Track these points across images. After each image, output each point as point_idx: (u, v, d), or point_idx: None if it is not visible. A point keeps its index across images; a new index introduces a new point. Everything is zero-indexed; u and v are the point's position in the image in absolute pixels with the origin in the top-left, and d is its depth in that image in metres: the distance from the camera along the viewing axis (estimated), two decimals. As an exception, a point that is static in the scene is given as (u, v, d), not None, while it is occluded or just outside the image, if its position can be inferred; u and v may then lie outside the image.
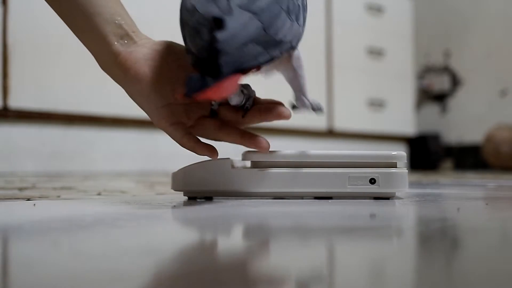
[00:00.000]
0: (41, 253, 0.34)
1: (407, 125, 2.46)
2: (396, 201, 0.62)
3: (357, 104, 2.25)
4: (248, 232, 0.44)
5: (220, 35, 0.51)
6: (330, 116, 2.11)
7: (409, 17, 2.50)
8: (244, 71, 0.54)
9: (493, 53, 2.52)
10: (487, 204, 0.68)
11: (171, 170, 0.67)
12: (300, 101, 0.64)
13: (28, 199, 0.64)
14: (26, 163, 1.48)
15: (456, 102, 2.62)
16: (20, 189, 0.84)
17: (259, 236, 0.42)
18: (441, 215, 0.53)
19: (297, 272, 0.30)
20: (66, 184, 0.96)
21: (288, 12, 0.57)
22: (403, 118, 2.45)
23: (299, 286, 0.27)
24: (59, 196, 0.70)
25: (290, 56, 0.61)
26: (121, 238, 0.40)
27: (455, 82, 2.63)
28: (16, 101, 1.44)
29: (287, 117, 0.61)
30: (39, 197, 0.67)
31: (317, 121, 2.04)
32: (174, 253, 0.36)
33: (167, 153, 1.72)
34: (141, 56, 0.57)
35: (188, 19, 0.56)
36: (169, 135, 0.59)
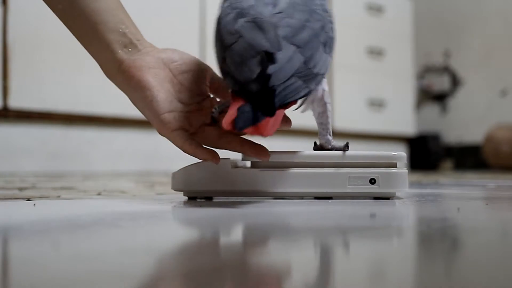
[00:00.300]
0: (41, 253, 0.34)
1: (407, 125, 2.46)
2: (396, 201, 0.62)
3: (357, 104, 2.25)
4: (248, 232, 0.44)
5: (272, 69, 0.51)
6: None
7: (409, 17, 2.50)
8: (287, 105, 0.55)
9: (493, 53, 2.52)
10: (487, 204, 0.68)
11: (171, 170, 0.67)
12: (324, 139, 0.64)
13: (28, 199, 0.64)
14: (26, 163, 1.48)
15: (456, 102, 2.62)
16: (20, 189, 0.84)
17: (259, 236, 0.42)
18: (441, 215, 0.53)
19: (297, 272, 0.30)
20: (66, 184, 0.96)
21: (325, 45, 0.58)
22: (403, 118, 2.45)
23: (299, 286, 0.27)
24: (59, 196, 0.70)
25: (323, 91, 0.62)
26: (121, 238, 0.40)
27: (455, 82, 2.63)
28: (16, 101, 1.44)
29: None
30: (39, 197, 0.67)
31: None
32: (174, 253, 0.36)
33: (167, 153, 1.72)
34: (144, 64, 0.58)
35: (231, 43, 0.55)
36: (171, 141, 0.59)
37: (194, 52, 1.76)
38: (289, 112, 0.66)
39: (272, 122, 0.52)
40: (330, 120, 0.64)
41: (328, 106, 0.64)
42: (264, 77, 0.51)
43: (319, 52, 0.57)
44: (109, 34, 0.58)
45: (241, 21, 0.55)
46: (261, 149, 0.60)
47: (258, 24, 0.54)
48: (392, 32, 2.40)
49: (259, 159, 0.60)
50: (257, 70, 0.52)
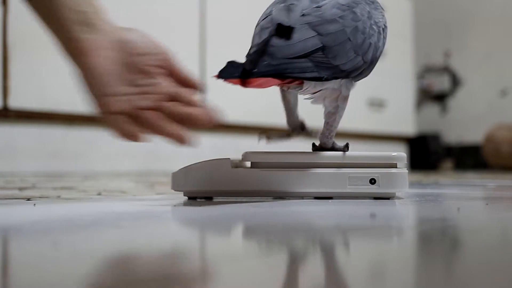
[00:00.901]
0: (41, 253, 0.34)
1: (407, 125, 2.46)
2: (396, 201, 0.62)
3: (357, 104, 2.25)
4: (248, 232, 0.44)
5: (277, 41, 0.56)
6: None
7: (409, 17, 2.50)
8: (287, 78, 0.58)
9: (493, 53, 2.52)
10: (487, 204, 0.68)
11: (171, 170, 0.67)
12: (325, 139, 0.65)
13: (28, 199, 0.64)
14: (26, 163, 1.48)
15: (456, 102, 2.62)
16: (20, 189, 0.84)
17: (259, 235, 0.42)
18: (441, 215, 0.53)
19: (297, 271, 0.30)
20: (66, 184, 0.96)
21: (356, 45, 0.61)
22: (403, 118, 2.45)
23: (299, 286, 0.27)
24: (59, 196, 0.70)
25: (340, 92, 0.63)
26: (121, 238, 0.40)
27: (455, 82, 2.63)
28: (16, 101, 1.43)
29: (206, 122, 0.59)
30: (39, 197, 0.67)
31: (317, 121, 2.04)
32: (174, 253, 0.36)
33: (167, 153, 1.72)
34: (95, 44, 0.58)
35: (261, 19, 0.61)
36: (108, 123, 0.60)
37: (194, 52, 1.77)
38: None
39: (260, 83, 0.56)
40: (337, 124, 0.65)
41: (340, 110, 0.64)
42: (266, 44, 0.56)
43: (344, 48, 0.60)
44: (67, 11, 0.58)
45: (279, 5, 0.61)
46: (182, 136, 0.58)
47: (289, 7, 0.60)
48: (392, 32, 2.39)
49: (179, 144, 0.59)
50: (265, 37, 0.57)
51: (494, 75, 2.51)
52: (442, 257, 0.33)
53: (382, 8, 0.66)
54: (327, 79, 0.60)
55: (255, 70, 0.54)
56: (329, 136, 0.65)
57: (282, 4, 0.61)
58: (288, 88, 0.62)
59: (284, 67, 0.56)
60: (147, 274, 0.28)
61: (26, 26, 1.46)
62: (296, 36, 0.57)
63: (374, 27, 0.63)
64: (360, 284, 0.27)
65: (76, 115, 1.56)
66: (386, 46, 0.66)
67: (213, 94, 1.78)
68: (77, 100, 1.54)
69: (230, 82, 0.54)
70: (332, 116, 0.65)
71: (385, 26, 0.66)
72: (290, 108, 0.67)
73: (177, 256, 0.34)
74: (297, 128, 0.68)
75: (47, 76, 1.48)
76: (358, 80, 0.64)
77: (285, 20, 0.58)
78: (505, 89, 2.48)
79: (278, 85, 0.60)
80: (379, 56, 0.65)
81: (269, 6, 0.63)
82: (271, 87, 0.59)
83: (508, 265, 0.31)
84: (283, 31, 0.57)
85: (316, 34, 0.58)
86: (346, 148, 0.64)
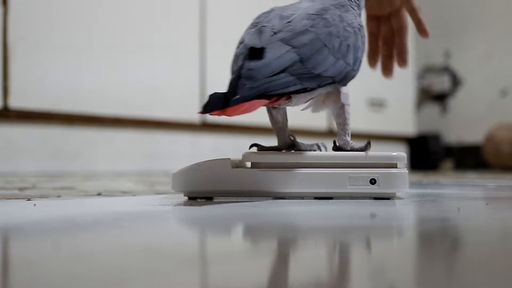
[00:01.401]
0: (41, 253, 0.34)
1: (408, 125, 2.46)
2: (397, 201, 0.62)
3: (357, 104, 2.25)
4: (249, 232, 0.44)
5: (253, 64, 0.57)
6: (331, 116, 2.11)
7: (409, 17, 2.50)
8: (272, 97, 0.58)
9: (493, 53, 2.52)
10: (487, 204, 0.68)
11: (171, 170, 0.67)
12: (343, 140, 0.66)
13: (29, 199, 0.64)
14: (26, 163, 1.48)
15: (456, 102, 2.62)
16: (21, 189, 0.84)
17: (259, 236, 0.42)
18: (441, 215, 0.53)
19: (297, 271, 0.30)
20: (67, 184, 0.96)
21: (333, 50, 0.61)
22: (404, 118, 2.45)
23: (299, 286, 0.27)
24: (59, 196, 0.70)
25: (339, 92, 0.64)
26: (121, 238, 0.40)
27: (456, 82, 2.63)
28: (17, 101, 1.44)
29: None
30: (40, 197, 0.67)
31: (317, 121, 2.04)
32: (175, 253, 0.36)
33: (167, 153, 1.72)
34: None
35: (237, 47, 0.62)
36: None
37: (194, 52, 1.77)
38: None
39: (246, 108, 0.56)
40: (348, 121, 0.65)
41: (347, 107, 0.65)
42: (242, 68, 0.56)
43: (321, 55, 0.60)
44: None
45: (251, 30, 0.61)
46: None
47: (259, 30, 0.60)
48: (392, 32, 2.40)
49: None
50: (241, 63, 0.57)
51: (494, 75, 2.51)
52: (442, 257, 0.33)
53: (355, 8, 0.67)
54: (312, 89, 0.61)
55: (238, 96, 0.54)
56: (345, 135, 0.66)
57: (253, 29, 0.61)
58: (280, 105, 0.62)
59: (266, 87, 0.56)
60: (147, 274, 0.28)
61: (26, 26, 1.46)
62: (271, 54, 0.58)
63: (349, 28, 0.63)
64: (361, 284, 0.27)
65: (76, 115, 1.56)
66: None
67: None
68: (77, 100, 1.54)
69: (215, 114, 0.54)
70: (340, 116, 0.66)
71: (361, 26, 0.66)
72: (279, 128, 0.67)
73: (177, 256, 0.34)
74: (287, 147, 0.68)
75: (47, 76, 1.48)
76: (346, 83, 0.64)
77: (257, 43, 0.58)
78: (505, 89, 2.48)
79: (267, 105, 0.60)
80: (361, 56, 0.65)
81: (242, 35, 0.64)
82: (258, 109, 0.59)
83: (508, 265, 0.31)
84: (257, 53, 0.58)
85: (290, 48, 0.59)
86: (367, 146, 0.64)
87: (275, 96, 0.58)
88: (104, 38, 1.57)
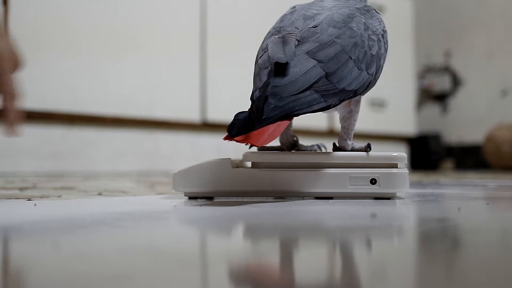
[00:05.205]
0: (41, 253, 0.34)
1: (408, 125, 2.46)
2: (397, 201, 0.62)
3: (358, 104, 2.25)
4: (249, 232, 0.44)
5: (278, 81, 0.54)
6: (331, 116, 2.11)
7: (409, 17, 2.50)
8: (296, 116, 0.56)
9: (494, 53, 2.52)
10: (487, 204, 0.68)
11: (171, 170, 0.67)
12: (344, 143, 0.65)
13: (29, 199, 0.64)
14: (26, 163, 1.48)
15: (456, 102, 2.62)
16: (21, 189, 0.84)
17: (260, 236, 0.42)
18: (442, 215, 0.53)
19: (297, 271, 0.30)
20: (67, 184, 0.96)
21: (357, 61, 0.59)
22: (404, 118, 2.45)
23: (299, 285, 0.27)
24: (59, 196, 0.70)
25: (350, 99, 0.63)
26: (122, 238, 0.40)
27: (456, 82, 2.63)
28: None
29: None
30: (40, 197, 0.67)
31: (318, 121, 2.04)
32: (175, 253, 0.36)
33: (167, 153, 1.72)
34: None
35: (259, 56, 0.59)
36: None
37: (194, 52, 1.77)
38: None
39: (271, 131, 0.53)
40: (353, 126, 0.65)
41: (354, 113, 0.65)
42: (267, 86, 0.53)
43: (347, 68, 0.58)
44: None
45: (274, 37, 0.59)
46: (12, 129, 0.62)
47: (284, 39, 0.57)
48: (393, 32, 2.39)
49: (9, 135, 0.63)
50: (265, 80, 0.55)
51: (495, 75, 2.50)
52: (442, 257, 0.33)
53: (377, 12, 0.66)
54: (335, 105, 0.59)
55: (264, 116, 0.52)
56: (347, 138, 0.65)
57: (277, 36, 0.59)
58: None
59: (291, 106, 0.54)
60: (147, 274, 0.28)
61: (26, 26, 1.46)
62: (297, 70, 0.55)
63: (373, 36, 0.62)
64: (361, 284, 0.27)
65: (76, 115, 1.56)
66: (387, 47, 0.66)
67: (213, 94, 1.79)
68: (77, 100, 1.54)
69: (240, 141, 0.52)
70: (347, 120, 0.65)
71: (384, 31, 0.65)
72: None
73: (177, 256, 0.34)
74: (290, 146, 0.68)
75: (47, 76, 1.48)
76: (366, 93, 0.64)
77: (281, 57, 0.56)
78: (505, 89, 2.48)
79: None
80: (383, 62, 0.64)
81: (265, 39, 0.62)
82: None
83: (509, 265, 0.31)
84: (282, 67, 0.55)
85: (316, 62, 0.57)
86: (368, 148, 0.64)
87: (298, 115, 0.56)
88: (104, 38, 1.57)
